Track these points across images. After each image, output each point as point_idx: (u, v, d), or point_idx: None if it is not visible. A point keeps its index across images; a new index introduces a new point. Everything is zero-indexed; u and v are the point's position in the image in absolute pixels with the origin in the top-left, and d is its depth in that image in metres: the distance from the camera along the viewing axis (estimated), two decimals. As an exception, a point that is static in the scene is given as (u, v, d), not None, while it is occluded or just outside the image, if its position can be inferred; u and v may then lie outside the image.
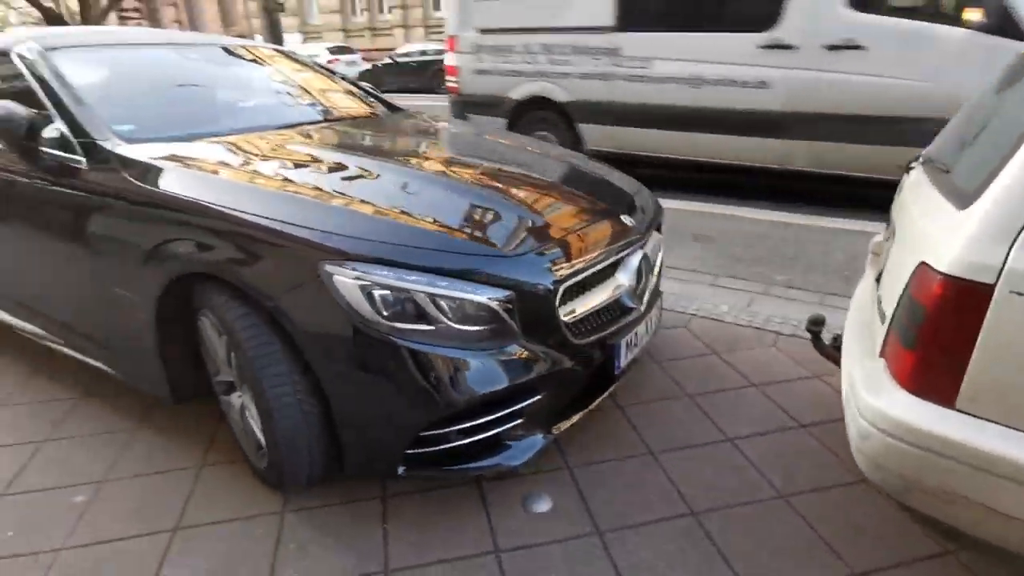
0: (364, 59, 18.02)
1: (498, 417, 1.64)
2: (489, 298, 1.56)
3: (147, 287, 1.81)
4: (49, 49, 2.29)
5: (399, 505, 1.78)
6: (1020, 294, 1.06)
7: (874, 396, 1.27)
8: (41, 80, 2.15)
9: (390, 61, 16.52)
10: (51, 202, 2.06)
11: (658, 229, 2.37)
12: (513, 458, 1.70)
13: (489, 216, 1.79)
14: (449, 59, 6.43)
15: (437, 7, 19.54)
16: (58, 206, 2.04)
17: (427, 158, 2.37)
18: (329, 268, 1.51)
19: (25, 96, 2.14)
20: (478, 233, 1.69)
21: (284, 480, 1.76)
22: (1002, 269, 1.07)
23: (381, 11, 20.63)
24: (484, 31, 6.08)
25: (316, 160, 2.06)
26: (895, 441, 1.20)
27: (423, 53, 15.94)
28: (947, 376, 1.16)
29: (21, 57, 2.24)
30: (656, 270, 2.21)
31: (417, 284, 1.51)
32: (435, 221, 1.68)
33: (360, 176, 1.99)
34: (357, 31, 21.23)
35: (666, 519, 1.72)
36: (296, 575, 1.56)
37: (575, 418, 1.84)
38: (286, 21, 23.73)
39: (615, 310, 1.92)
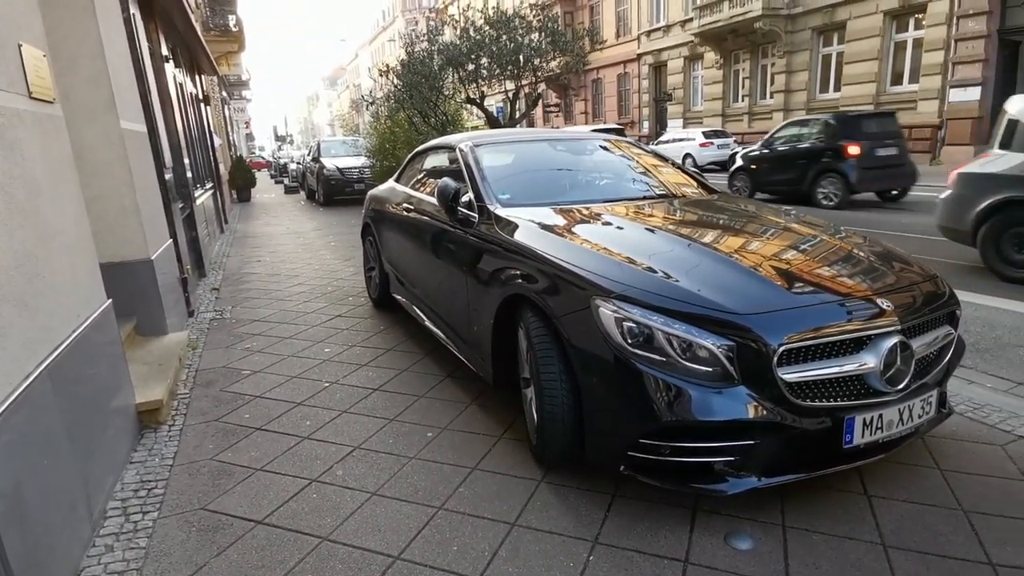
0: (736, 142, 18.51)
1: (711, 447, 1.92)
2: (713, 344, 1.89)
3: (492, 303, 2.68)
4: (476, 145, 3.52)
5: (624, 504, 2.18)
6: None
7: None
8: (467, 165, 3.34)
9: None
10: (457, 242, 3.16)
11: (950, 323, 2.23)
12: (725, 488, 1.94)
13: (732, 280, 2.09)
14: None
15: (824, 90, 18.75)
16: (460, 245, 3.12)
17: (704, 230, 2.74)
18: (597, 301, 2.07)
19: (457, 174, 3.37)
20: (715, 293, 2.01)
21: (545, 455, 2.36)
22: None
23: (763, 96, 20.89)
24: None
25: (614, 225, 2.69)
26: None
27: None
28: None
29: (460, 150, 3.51)
30: (923, 361, 2.12)
31: (656, 323, 1.95)
32: (685, 279, 2.09)
33: (639, 238, 2.52)
34: (736, 116, 21.98)
35: (870, 604, 1.69)
36: (533, 518, 2.12)
37: (793, 476, 1.96)
38: (672, 108, 26.22)
39: (854, 386, 1.96)
